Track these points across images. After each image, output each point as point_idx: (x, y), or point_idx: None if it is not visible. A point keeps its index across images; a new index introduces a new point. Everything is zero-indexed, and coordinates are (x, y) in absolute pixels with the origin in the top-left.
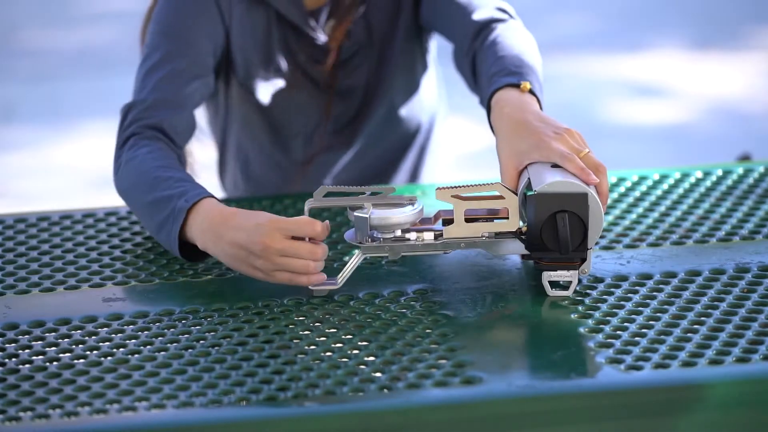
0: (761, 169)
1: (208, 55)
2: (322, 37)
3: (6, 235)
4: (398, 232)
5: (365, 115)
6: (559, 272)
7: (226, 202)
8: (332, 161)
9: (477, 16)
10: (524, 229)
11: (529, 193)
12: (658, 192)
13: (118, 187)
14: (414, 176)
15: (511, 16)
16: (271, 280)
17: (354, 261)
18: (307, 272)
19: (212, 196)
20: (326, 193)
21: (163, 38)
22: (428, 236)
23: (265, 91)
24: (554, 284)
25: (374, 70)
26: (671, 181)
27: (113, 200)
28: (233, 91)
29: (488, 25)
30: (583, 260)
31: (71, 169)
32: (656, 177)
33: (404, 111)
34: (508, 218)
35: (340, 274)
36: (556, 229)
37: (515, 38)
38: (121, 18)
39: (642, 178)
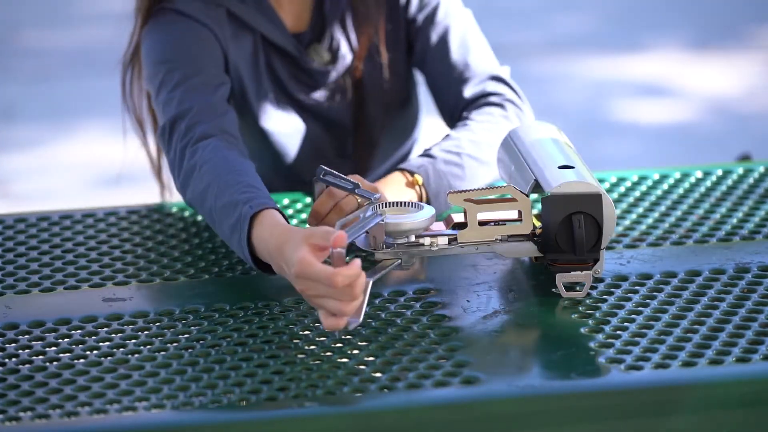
0: (761, 169)
1: (218, 72)
2: (306, 60)
3: (6, 235)
4: (412, 238)
5: (360, 143)
6: (573, 273)
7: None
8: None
9: (468, 92)
10: (538, 231)
11: (543, 196)
12: (658, 192)
13: (191, 195)
14: None
15: (505, 84)
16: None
17: (366, 293)
18: (342, 313)
19: (275, 207)
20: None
21: (172, 66)
22: (442, 241)
23: (260, 115)
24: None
25: (357, 97)
26: (671, 181)
27: (113, 200)
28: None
29: (476, 100)
30: (596, 260)
31: (71, 169)
32: (656, 177)
33: (395, 139)
34: (521, 221)
35: (357, 309)
36: (571, 230)
37: (482, 132)
38: (121, 18)
39: (642, 178)
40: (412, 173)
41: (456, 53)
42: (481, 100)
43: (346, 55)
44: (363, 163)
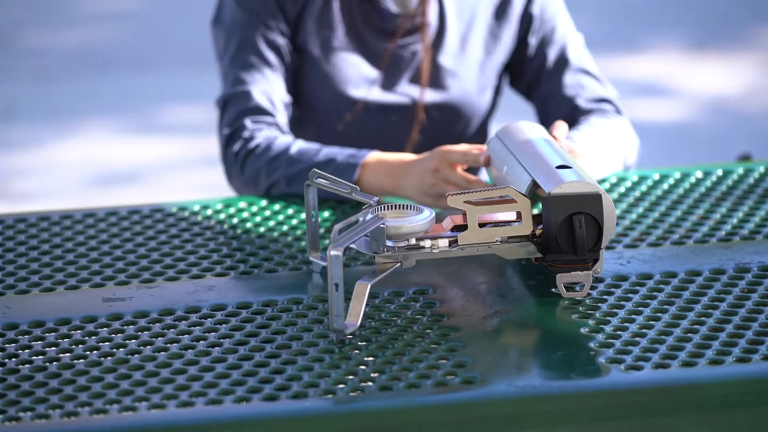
0: (761, 169)
1: (278, 18)
2: (391, 6)
3: (6, 235)
4: (412, 240)
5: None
6: (573, 273)
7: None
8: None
9: (578, 113)
10: (538, 231)
11: (542, 196)
12: (658, 192)
13: (247, 173)
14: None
15: (615, 107)
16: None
17: (363, 296)
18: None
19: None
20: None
21: (236, 24)
22: (443, 243)
23: (318, 52)
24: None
25: (428, 58)
26: (671, 181)
27: (113, 200)
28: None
29: (586, 113)
30: (596, 260)
31: (71, 169)
32: (656, 177)
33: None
34: (521, 222)
35: (351, 313)
36: (571, 230)
37: (599, 127)
38: (121, 18)
39: (642, 178)
40: None
41: (571, 74)
42: (591, 113)
43: (428, 12)
44: (410, 118)
